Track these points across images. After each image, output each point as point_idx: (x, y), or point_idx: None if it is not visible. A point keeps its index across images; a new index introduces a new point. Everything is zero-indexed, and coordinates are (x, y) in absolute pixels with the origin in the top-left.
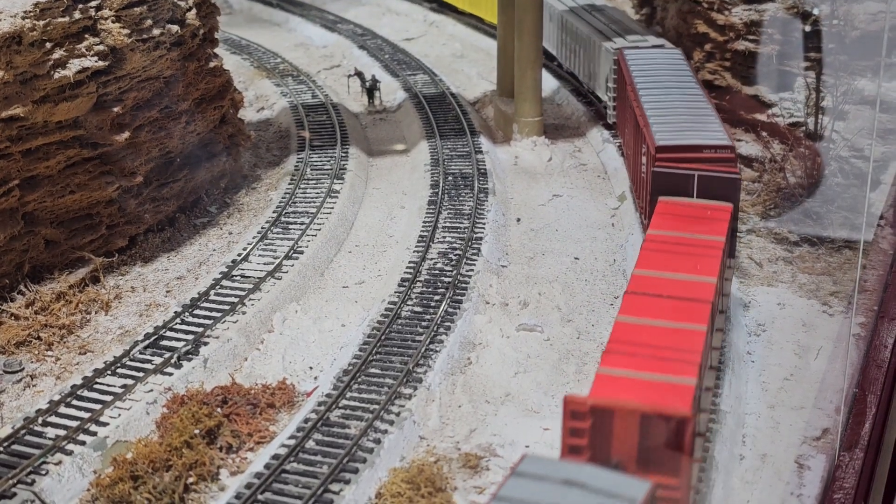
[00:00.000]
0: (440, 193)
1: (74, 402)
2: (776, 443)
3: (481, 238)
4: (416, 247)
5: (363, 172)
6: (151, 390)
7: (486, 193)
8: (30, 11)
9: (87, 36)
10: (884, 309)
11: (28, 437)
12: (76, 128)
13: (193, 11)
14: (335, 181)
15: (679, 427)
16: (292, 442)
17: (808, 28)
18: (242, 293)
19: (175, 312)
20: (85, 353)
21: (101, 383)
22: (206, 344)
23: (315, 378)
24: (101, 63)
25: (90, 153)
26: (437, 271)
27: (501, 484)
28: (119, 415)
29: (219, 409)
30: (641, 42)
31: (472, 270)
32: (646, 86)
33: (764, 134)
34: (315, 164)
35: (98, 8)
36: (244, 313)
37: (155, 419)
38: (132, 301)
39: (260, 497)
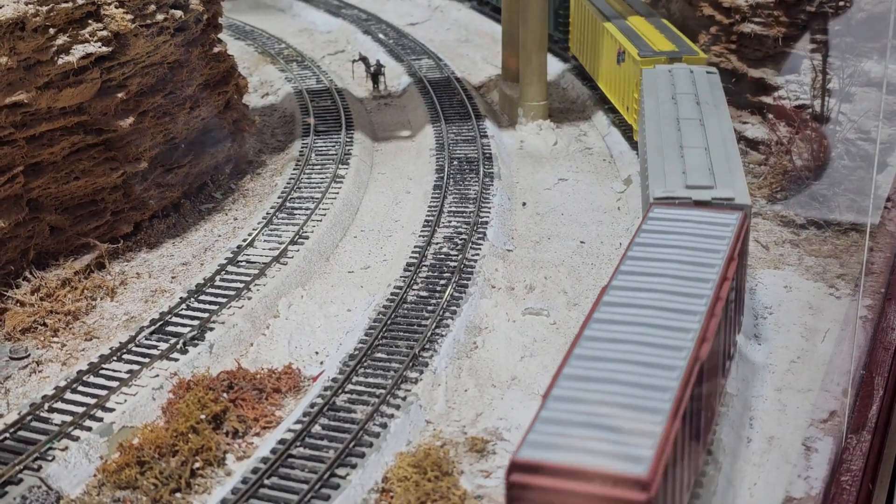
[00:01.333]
0: (445, 178)
1: (80, 388)
2: (783, 425)
3: (487, 222)
4: (422, 231)
5: (368, 157)
6: (157, 376)
7: (491, 178)
8: None
9: (90, 21)
10: (891, 291)
11: (34, 423)
12: (80, 114)
13: None
14: (340, 166)
15: None
16: (298, 427)
17: (813, 10)
18: (248, 279)
19: (181, 298)
20: (91, 340)
21: (106, 369)
22: (211, 329)
23: (321, 363)
24: (104, 49)
25: (94, 139)
26: (442, 256)
27: None
28: (125, 400)
29: (225, 395)
30: (705, 192)
31: (478, 255)
32: (619, 293)
33: (770, 116)
34: (320, 149)
35: None
36: (250, 299)
37: (161, 405)
38: (137, 287)
39: (266, 482)
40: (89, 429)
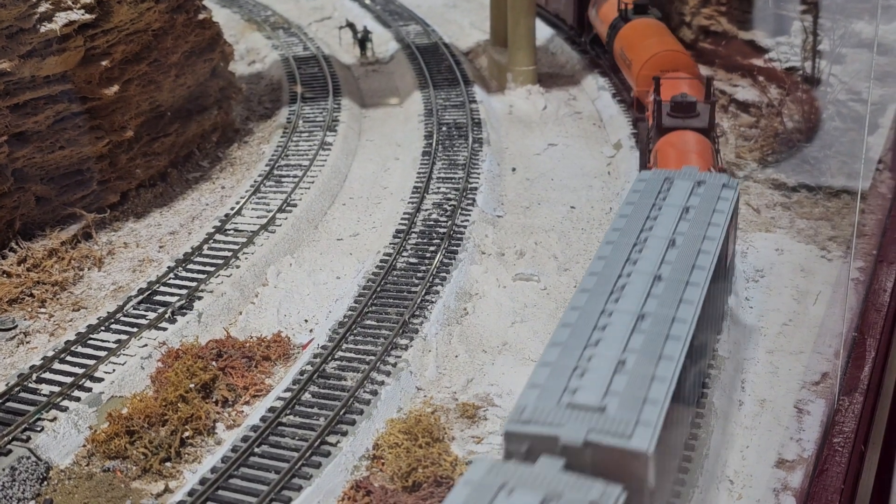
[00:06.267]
0: (434, 144)
1: (69, 359)
2: (775, 388)
3: (476, 188)
4: (411, 198)
5: (356, 124)
6: (146, 345)
7: (480, 143)
8: None
9: None
10: (882, 253)
11: (22, 394)
12: (64, 82)
13: None
14: (328, 133)
15: None
16: (288, 394)
17: None
18: (236, 247)
19: (168, 267)
20: (78, 310)
21: (95, 339)
22: (199, 298)
23: (310, 330)
24: (87, 16)
25: (79, 108)
26: (432, 222)
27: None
28: (114, 370)
29: (214, 363)
30: None
31: (468, 221)
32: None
33: (761, 79)
34: (307, 116)
35: None
36: (238, 267)
37: (150, 374)
38: (125, 257)
39: (256, 450)
40: (78, 399)
